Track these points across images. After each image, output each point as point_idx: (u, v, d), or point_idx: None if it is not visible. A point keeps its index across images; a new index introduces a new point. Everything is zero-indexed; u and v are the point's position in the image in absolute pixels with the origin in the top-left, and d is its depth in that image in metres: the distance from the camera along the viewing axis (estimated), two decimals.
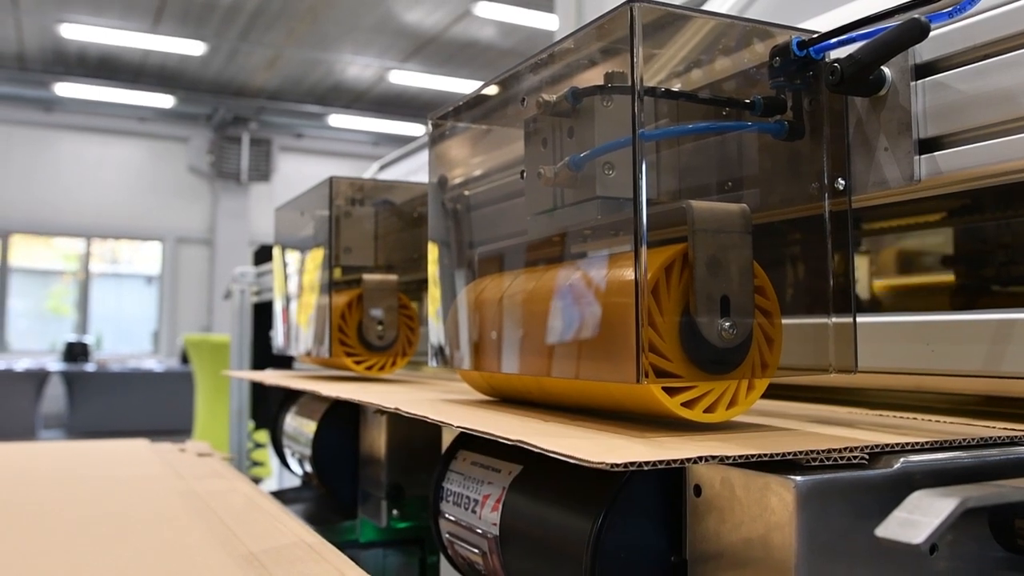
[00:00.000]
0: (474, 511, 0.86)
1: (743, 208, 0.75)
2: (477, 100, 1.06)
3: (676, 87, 0.81)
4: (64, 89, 10.67)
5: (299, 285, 1.82)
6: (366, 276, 1.56)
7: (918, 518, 0.54)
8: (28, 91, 10.75)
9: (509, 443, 0.62)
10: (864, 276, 1.33)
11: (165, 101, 11.16)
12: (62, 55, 10.11)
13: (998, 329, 0.79)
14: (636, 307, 0.71)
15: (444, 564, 1.00)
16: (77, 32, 9.24)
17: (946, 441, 0.69)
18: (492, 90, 1.02)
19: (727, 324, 0.73)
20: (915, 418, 0.86)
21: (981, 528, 0.63)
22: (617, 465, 0.59)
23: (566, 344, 0.81)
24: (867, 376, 0.92)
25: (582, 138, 0.81)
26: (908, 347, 0.87)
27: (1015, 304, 0.98)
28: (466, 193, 1.14)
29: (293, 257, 1.90)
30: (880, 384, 0.95)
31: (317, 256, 1.67)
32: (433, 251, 1.14)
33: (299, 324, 1.79)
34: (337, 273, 1.62)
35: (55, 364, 9.81)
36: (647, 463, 0.60)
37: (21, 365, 9.51)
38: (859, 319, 0.81)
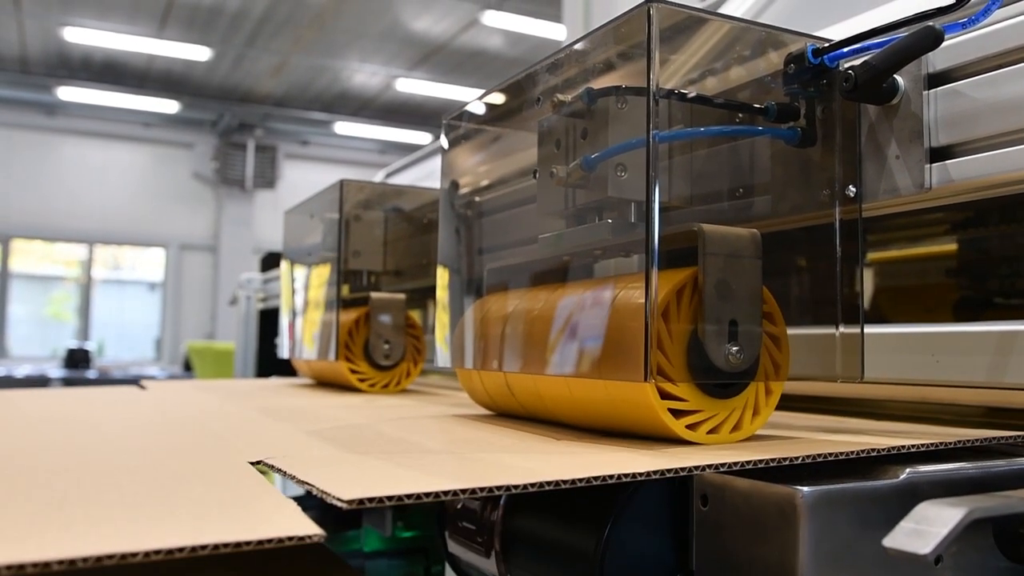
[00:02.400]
0: (479, 519, 0.85)
1: (754, 233, 0.76)
2: (492, 101, 1.06)
3: (690, 93, 0.82)
4: (67, 93, 10.67)
5: (306, 296, 1.82)
6: (374, 295, 1.56)
7: (925, 528, 0.54)
8: (30, 95, 10.74)
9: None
10: (869, 287, 1.34)
11: (170, 107, 11.18)
12: (66, 59, 10.12)
13: (1001, 341, 0.80)
14: (646, 324, 0.71)
15: (448, 574, 1.00)
16: (81, 36, 9.24)
17: (955, 442, 0.69)
18: (508, 91, 1.02)
19: (735, 348, 0.73)
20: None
21: (986, 539, 0.63)
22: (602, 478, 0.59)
23: (574, 360, 0.81)
24: (872, 387, 0.92)
25: (596, 140, 0.81)
26: (913, 358, 0.87)
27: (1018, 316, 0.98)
28: (477, 199, 1.14)
29: (302, 266, 1.90)
30: (885, 395, 0.95)
31: (325, 266, 1.67)
32: (443, 276, 1.14)
33: (304, 340, 1.79)
34: (345, 290, 1.62)
35: (56, 370, 9.76)
36: (643, 473, 0.60)
37: (21, 371, 9.48)
38: (865, 330, 0.81)
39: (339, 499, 0.51)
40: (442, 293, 1.13)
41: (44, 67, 10.42)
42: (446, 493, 0.54)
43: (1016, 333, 0.79)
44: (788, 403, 1.08)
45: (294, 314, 1.91)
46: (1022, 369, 0.78)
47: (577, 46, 0.87)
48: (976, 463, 0.68)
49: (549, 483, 0.57)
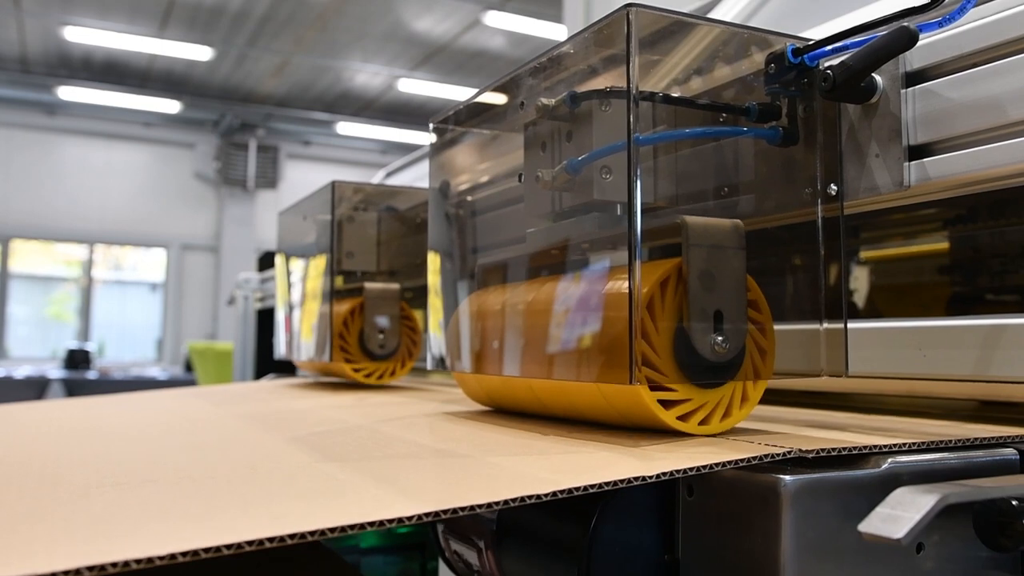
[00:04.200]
0: (471, 510, 0.86)
1: (736, 224, 0.77)
2: (478, 105, 1.06)
3: (673, 94, 0.82)
4: (68, 93, 10.66)
5: (302, 292, 1.82)
6: (368, 284, 1.57)
7: (900, 513, 0.55)
8: (31, 94, 10.73)
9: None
10: (858, 284, 1.34)
11: (171, 107, 11.16)
12: (66, 58, 10.11)
13: (988, 334, 0.81)
14: (630, 319, 0.72)
15: (443, 570, 1.00)
16: (82, 35, 9.24)
17: (933, 442, 0.70)
18: (493, 94, 1.03)
19: (720, 338, 0.74)
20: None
21: (966, 528, 0.64)
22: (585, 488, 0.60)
23: (562, 355, 0.82)
24: (860, 381, 0.93)
25: (580, 142, 0.82)
26: (900, 352, 0.88)
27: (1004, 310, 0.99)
28: (469, 199, 1.15)
29: (296, 264, 1.91)
30: (873, 389, 0.96)
31: (320, 264, 1.68)
32: (434, 261, 1.14)
33: (301, 331, 1.80)
34: (339, 281, 1.63)
35: (56, 371, 9.73)
36: (625, 480, 0.61)
37: (21, 372, 9.46)
38: (852, 325, 0.82)
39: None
40: (435, 300, 1.14)
41: (44, 67, 10.41)
42: (403, 519, 0.52)
43: (1001, 327, 0.80)
44: (778, 397, 1.09)
45: (289, 315, 1.91)
46: (1008, 362, 0.79)
47: (561, 49, 0.88)
48: (957, 453, 0.69)
49: (513, 500, 0.57)
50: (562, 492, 0.59)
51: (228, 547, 0.45)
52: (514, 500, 0.57)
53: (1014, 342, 0.79)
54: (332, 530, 0.49)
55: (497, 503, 0.56)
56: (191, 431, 1.05)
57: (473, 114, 1.09)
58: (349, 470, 0.70)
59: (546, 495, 0.58)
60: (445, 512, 0.54)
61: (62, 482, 0.67)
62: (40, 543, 0.48)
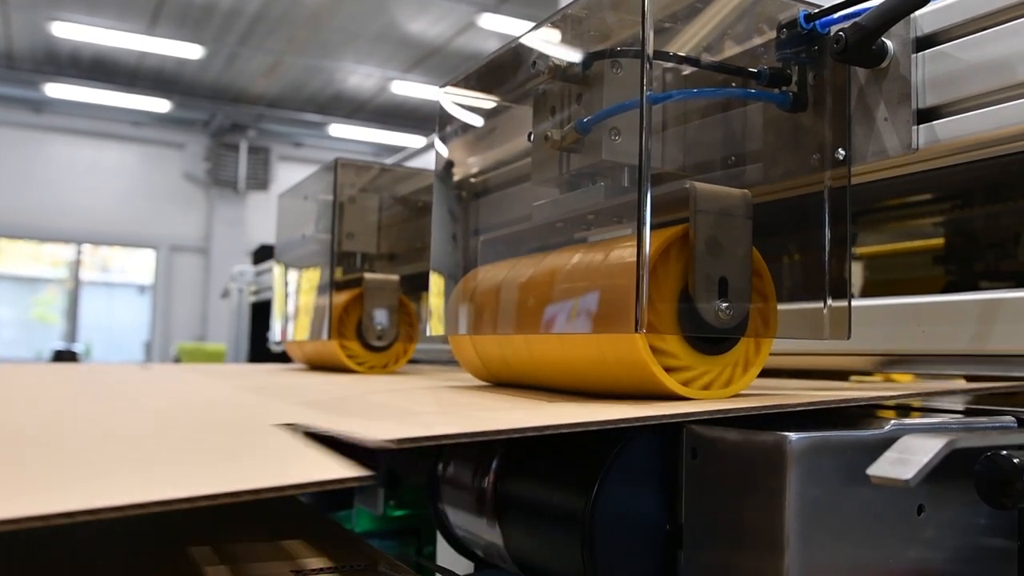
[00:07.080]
0: (472, 482, 0.86)
1: (745, 193, 0.77)
2: (489, 67, 1.07)
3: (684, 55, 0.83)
4: (55, 90, 10.61)
5: (299, 280, 1.82)
6: (367, 275, 1.57)
7: (908, 457, 0.56)
8: (16, 91, 10.68)
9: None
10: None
11: (161, 105, 11.12)
12: (53, 55, 10.06)
13: (984, 309, 0.81)
14: (637, 264, 0.72)
15: (440, 553, 1.00)
16: (70, 31, 9.18)
17: (940, 391, 0.71)
18: (505, 59, 1.03)
19: (724, 305, 0.75)
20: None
21: (966, 493, 0.64)
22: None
23: (567, 319, 0.82)
24: (861, 358, 0.94)
25: (591, 104, 0.83)
26: (900, 329, 0.89)
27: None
28: (472, 180, 1.15)
29: (295, 254, 1.91)
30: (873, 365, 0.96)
31: (319, 251, 1.67)
32: (437, 250, 1.15)
33: (297, 324, 1.79)
34: (338, 273, 1.63)
35: None
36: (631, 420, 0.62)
37: None
38: (854, 303, 0.83)
39: (379, 440, 0.52)
40: (435, 265, 1.14)
41: (31, 63, 10.36)
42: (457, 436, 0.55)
43: (998, 301, 0.81)
44: (778, 374, 1.09)
45: (287, 298, 1.91)
46: (1004, 336, 0.80)
47: (571, 11, 0.89)
48: (958, 418, 0.70)
49: (555, 426, 0.58)
50: (579, 426, 0.60)
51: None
52: (534, 429, 0.58)
53: (1008, 316, 0.80)
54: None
55: (520, 429, 0.58)
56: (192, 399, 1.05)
57: (483, 78, 1.10)
58: (362, 417, 0.70)
59: (564, 426, 0.59)
60: (470, 435, 0.56)
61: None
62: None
